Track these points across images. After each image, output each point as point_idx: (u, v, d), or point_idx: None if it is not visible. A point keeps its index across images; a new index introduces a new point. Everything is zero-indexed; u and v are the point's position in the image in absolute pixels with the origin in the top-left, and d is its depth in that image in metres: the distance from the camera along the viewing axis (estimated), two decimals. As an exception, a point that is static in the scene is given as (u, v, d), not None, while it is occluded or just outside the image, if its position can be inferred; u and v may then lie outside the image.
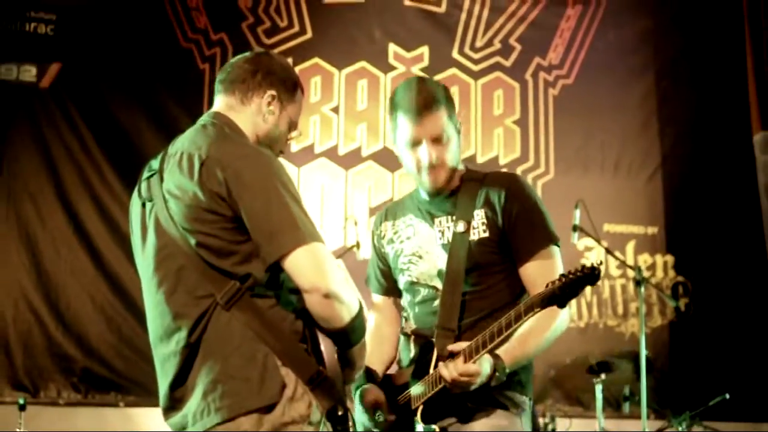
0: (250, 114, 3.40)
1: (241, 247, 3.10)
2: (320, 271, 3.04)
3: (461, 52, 9.12)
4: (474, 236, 3.89)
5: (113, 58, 8.55)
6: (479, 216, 3.91)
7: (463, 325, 3.82)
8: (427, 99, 3.90)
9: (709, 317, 8.94)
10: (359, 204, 8.71)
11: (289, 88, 3.47)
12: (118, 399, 8.17)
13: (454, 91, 8.43)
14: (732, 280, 8.95)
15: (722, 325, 8.86)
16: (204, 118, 3.42)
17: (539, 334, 3.74)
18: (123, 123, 8.48)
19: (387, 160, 8.79)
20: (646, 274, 8.45)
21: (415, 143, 3.90)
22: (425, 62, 9.03)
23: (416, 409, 3.78)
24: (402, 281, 4.10)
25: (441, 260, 3.93)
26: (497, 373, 3.63)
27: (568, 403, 8.45)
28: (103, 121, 8.46)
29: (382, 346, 4.15)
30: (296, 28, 8.89)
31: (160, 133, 8.41)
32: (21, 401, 6.93)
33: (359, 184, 8.79)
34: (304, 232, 3.06)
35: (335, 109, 8.90)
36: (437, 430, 3.75)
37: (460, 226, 3.91)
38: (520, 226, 3.87)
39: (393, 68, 8.99)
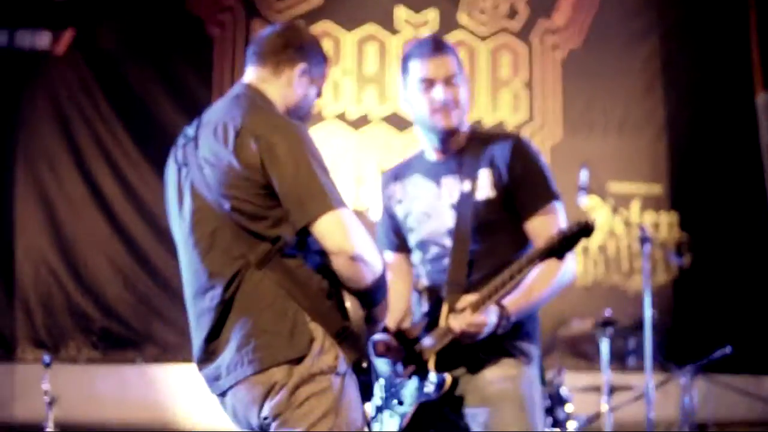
0: (280, 86, 3.56)
1: (272, 212, 3.28)
2: (346, 235, 3.23)
3: (469, 15, 9.16)
4: (480, 195, 4.02)
5: (126, 23, 8.68)
6: (484, 175, 4.04)
7: (471, 281, 3.97)
8: (438, 43, 4.11)
9: (712, 273, 9.04)
10: (369, 166, 8.84)
11: (319, 61, 3.64)
12: (136, 356, 8.35)
13: (462, 54, 8.52)
14: (734, 238, 9.04)
15: (725, 281, 8.96)
16: (236, 89, 3.58)
17: (543, 285, 3.89)
18: (136, 88, 8.62)
19: (396, 122, 8.89)
20: (650, 231, 8.57)
21: (429, 84, 4.03)
22: (433, 25, 9.09)
23: (428, 359, 3.94)
24: (412, 240, 4.24)
25: (449, 219, 4.07)
26: (503, 322, 3.80)
27: (574, 357, 8.57)
28: (116, 86, 8.60)
29: (394, 300, 4.15)
30: (306, -7, 8.97)
31: (172, 97, 8.57)
32: (46, 359, 7.07)
33: (368, 146, 8.91)
34: (332, 199, 3.25)
35: (344, 73, 8.99)
36: (449, 378, 3.90)
37: (466, 186, 4.04)
38: (524, 184, 4.00)
39: (401, 32, 9.07)
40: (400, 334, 4.14)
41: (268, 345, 3.26)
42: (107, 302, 8.38)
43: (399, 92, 4.25)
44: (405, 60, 4.15)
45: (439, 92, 4.02)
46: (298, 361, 3.25)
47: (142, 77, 8.64)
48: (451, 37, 8.86)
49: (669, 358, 8.07)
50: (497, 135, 4.25)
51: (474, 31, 9.16)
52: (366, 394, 3.48)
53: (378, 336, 4.05)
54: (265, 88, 3.55)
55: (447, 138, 4.12)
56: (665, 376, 7.87)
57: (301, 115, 3.61)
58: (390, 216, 4.37)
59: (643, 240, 7.30)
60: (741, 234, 9.08)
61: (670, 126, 9.33)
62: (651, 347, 6.95)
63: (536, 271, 3.79)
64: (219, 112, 3.46)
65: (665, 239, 9.07)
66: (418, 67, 4.06)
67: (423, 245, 4.19)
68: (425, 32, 8.95)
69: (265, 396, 3.26)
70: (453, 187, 4.10)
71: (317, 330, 3.29)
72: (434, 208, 4.14)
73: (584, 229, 3.51)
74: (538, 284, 3.84)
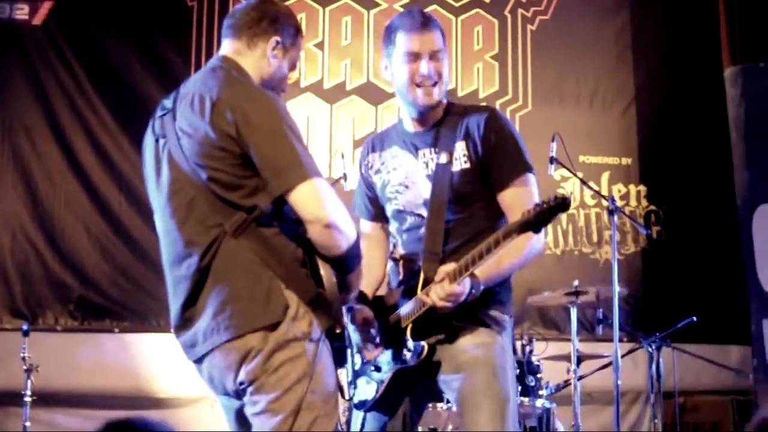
0: (255, 58, 3.65)
1: (248, 182, 3.37)
2: (321, 204, 3.32)
3: (442, -12, 9.23)
4: (456, 167, 4.10)
5: (103, -5, 8.67)
6: (460, 148, 4.12)
7: (447, 250, 4.06)
8: (426, 18, 4.18)
9: (680, 244, 9.15)
10: (344, 137, 8.89)
11: (292, 34, 3.72)
12: (113, 325, 8.40)
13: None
14: (702, 210, 9.18)
15: (692, 252, 9.09)
16: (213, 62, 3.67)
17: (513, 255, 3.97)
18: (113, 59, 8.63)
19: (371, 94, 8.96)
20: (619, 203, 8.63)
21: (415, 56, 4.12)
22: (407, -2, 9.14)
23: (406, 327, 4.03)
24: (389, 209, 4.33)
25: (426, 190, 4.15)
26: (473, 290, 3.90)
27: (544, 327, 8.69)
28: (94, 57, 8.62)
29: (371, 268, 4.32)
30: (281, -34, 8.99)
31: (149, 68, 8.60)
32: (24, 327, 7.13)
33: (344, 117, 8.97)
34: (308, 168, 3.33)
35: (319, 45, 9.03)
36: (426, 346, 4.00)
37: (443, 158, 4.12)
38: (498, 156, 4.09)
39: (376, 5, 9.10)
40: (376, 301, 4.25)
41: (244, 311, 3.35)
42: (85, 271, 8.41)
43: (380, 62, 4.31)
44: (391, 31, 4.21)
45: (423, 66, 4.10)
46: (274, 327, 3.34)
47: (119, 48, 8.65)
48: (425, 11, 8.83)
49: (637, 328, 8.18)
50: (473, 108, 4.31)
51: (448, 4, 9.20)
52: (339, 360, 3.57)
53: (358, 305, 4.16)
54: (241, 61, 3.63)
55: (426, 111, 4.21)
56: (633, 345, 7.96)
57: (275, 86, 3.69)
58: (367, 185, 4.45)
59: (612, 211, 7.37)
60: (708, 206, 9.20)
61: (640, 99, 9.42)
62: (619, 317, 7.04)
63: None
64: (196, 84, 3.53)
65: (634, 211, 9.17)
66: (405, 40, 4.14)
67: (400, 215, 4.28)
68: (399, 6, 9.00)
69: (241, 362, 3.35)
70: (430, 159, 4.18)
71: (292, 297, 3.37)
72: (411, 178, 4.22)
73: (560, 204, 3.56)
74: (509, 254, 3.89)
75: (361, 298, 4.19)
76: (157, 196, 3.59)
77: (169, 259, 3.55)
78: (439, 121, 4.23)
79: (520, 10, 9.30)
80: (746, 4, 9.05)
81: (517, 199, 4.03)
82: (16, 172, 8.44)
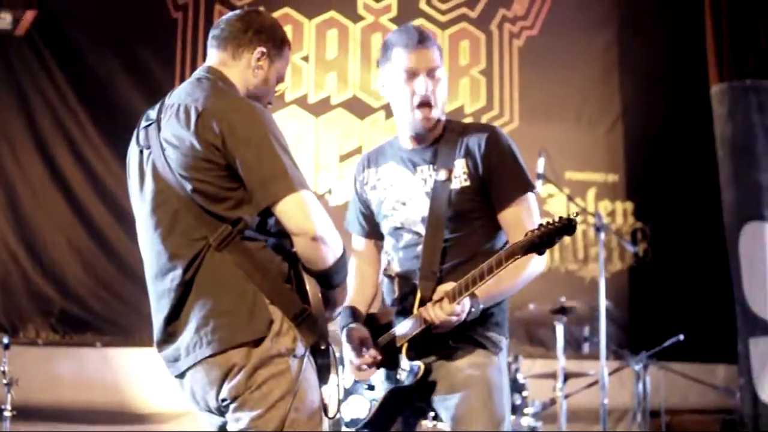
0: (241, 69, 3.60)
1: (234, 194, 3.32)
2: (308, 217, 3.27)
3: (428, 2, 9.25)
4: (455, 185, 4.05)
5: (88, 6, 8.65)
6: (460, 165, 4.07)
7: (444, 269, 4.01)
8: (423, 35, 4.10)
9: (667, 262, 9.14)
10: (329, 151, 8.86)
11: (278, 44, 3.67)
12: (95, 339, 8.34)
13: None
14: (688, 227, 9.15)
15: (679, 270, 9.08)
16: (199, 72, 3.61)
17: (514, 275, 3.92)
18: (97, 70, 8.60)
19: (356, 107, 8.95)
20: (606, 220, 8.64)
21: (412, 74, 4.06)
22: (393, 12, 9.14)
23: (401, 346, 3.98)
24: (386, 226, 4.26)
25: (423, 207, 4.09)
26: (473, 309, 3.84)
27: (530, 344, 8.70)
28: (77, 68, 8.57)
29: (363, 286, 4.31)
30: (267, -22, 8.96)
31: (133, 80, 8.56)
32: (5, 340, 7.04)
33: (329, 131, 8.94)
34: (294, 180, 3.28)
35: (305, 58, 9.02)
36: (422, 366, 3.95)
37: (442, 175, 4.07)
38: (499, 175, 4.04)
39: (362, 18, 9.10)
40: (369, 319, 4.19)
41: (227, 326, 3.29)
42: (66, 284, 8.37)
43: (377, 78, 4.26)
44: (387, 48, 4.16)
45: (421, 84, 4.05)
46: (257, 343, 3.28)
47: (103, 59, 8.61)
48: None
49: (623, 346, 8.16)
50: (473, 126, 4.27)
51: (434, 18, 9.19)
52: (324, 377, 3.50)
53: (354, 324, 4.10)
54: (227, 72, 3.58)
55: (424, 131, 4.16)
56: (619, 363, 7.95)
57: (261, 98, 3.64)
58: (362, 202, 4.39)
59: (599, 228, 7.35)
60: (695, 223, 9.18)
61: (626, 115, 9.45)
62: (605, 335, 7.01)
63: None
64: (182, 94, 3.48)
65: (620, 228, 9.15)
66: (403, 57, 4.08)
67: (396, 232, 4.22)
68: (386, 20, 8.97)
69: (224, 378, 3.29)
70: (428, 176, 4.13)
71: (276, 312, 3.32)
72: (409, 195, 4.17)
73: (567, 225, 3.51)
74: (509, 274, 3.83)
75: (355, 315, 4.15)
76: (140, 207, 3.54)
77: (152, 273, 3.49)
78: (438, 138, 4.18)
79: (507, 25, 9.31)
80: (733, 21, 9.09)
81: (519, 218, 4.00)
82: (-2, 184, 8.36)
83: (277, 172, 3.28)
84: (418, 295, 3.98)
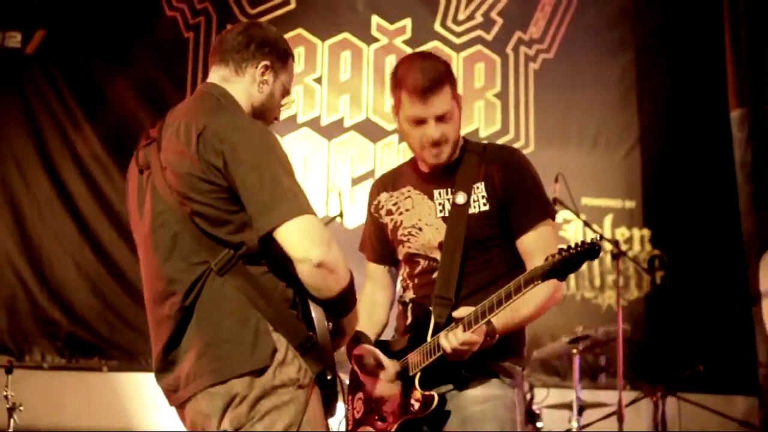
0: (244, 84, 3.47)
1: (235, 217, 3.19)
2: (311, 242, 3.12)
3: (443, 24, 9.15)
4: (474, 209, 3.93)
5: (98, 25, 8.56)
6: (479, 189, 3.95)
7: (460, 297, 3.88)
8: (432, 79, 3.90)
9: (685, 290, 9.02)
10: (342, 174, 8.75)
11: (282, 57, 3.54)
12: (102, 364, 8.22)
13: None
14: (707, 255, 9.02)
15: (697, 299, 8.93)
16: (200, 89, 3.50)
17: (532, 303, 3.78)
18: (107, 90, 8.51)
19: (369, 130, 8.86)
20: (623, 247, 8.56)
21: (420, 122, 3.91)
22: (408, 34, 9.05)
23: (414, 375, 3.84)
24: (401, 252, 4.13)
25: (440, 232, 3.97)
26: (488, 338, 3.71)
27: (545, 373, 8.52)
28: (87, 88, 8.49)
29: (374, 312, 4.19)
30: (280, -1, 8.93)
31: (144, 99, 8.49)
32: (8, 364, 6.95)
33: (342, 154, 8.83)
34: (296, 204, 3.14)
35: (318, 80, 8.92)
36: (437, 397, 3.80)
37: (460, 199, 3.95)
38: (519, 199, 3.92)
39: (376, 40, 9.01)
40: (382, 346, 4.05)
41: (229, 355, 3.17)
42: (73, 307, 8.24)
43: (387, 102, 4.14)
44: (395, 84, 4.00)
45: (430, 130, 3.91)
46: (260, 372, 3.16)
47: (113, 78, 8.54)
48: (426, 47, 8.75)
49: (641, 376, 8.06)
50: (492, 148, 4.16)
51: (449, 41, 9.11)
52: (330, 408, 3.36)
53: (363, 349, 3.98)
54: (229, 88, 3.47)
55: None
56: (637, 393, 7.84)
57: (266, 115, 3.53)
58: (377, 226, 4.26)
59: (616, 255, 7.26)
60: (714, 251, 9.06)
61: (644, 140, 9.34)
62: (623, 364, 6.91)
63: None
64: (182, 112, 3.38)
65: (638, 255, 9.04)
66: (409, 105, 3.93)
67: (412, 258, 4.10)
68: (400, 42, 8.90)
69: (225, 408, 3.17)
70: (446, 200, 4.01)
71: (280, 340, 3.20)
72: (426, 220, 4.05)
73: (589, 250, 3.35)
74: (526, 301, 3.69)
75: (366, 341, 4.02)
76: (139, 230, 3.43)
77: (152, 297, 3.39)
78: (457, 160, 4.05)
79: (522, 48, 9.23)
80: (753, 45, 9.03)
81: (539, 244, 3.87)
82: (4, 203, 8.28)
83: (278, 195, 3.14)
84: (432, 323, 3.85)
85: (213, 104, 3.36)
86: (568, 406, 7.17)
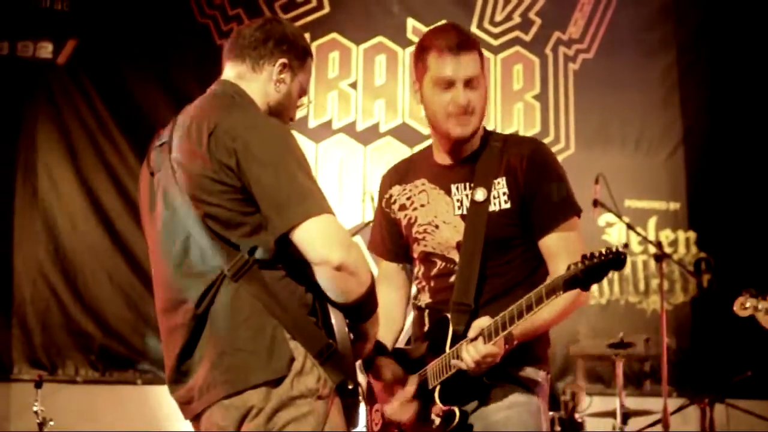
0: (261, 82, 3.34)
1: (250, 219, 3.05)
2: (330, 243, 2.98)
3: (480, 26, 9.08)
4: (494, 206, 3.70)
5: (130, 34, 8.55)
6: (500, 185, 3.72)
7: (479, 302, 3.66)
8: (462, 38, 3.72)
9: (732, 294, 8.83)
10: (377, 180, 8.63)
11: (300, 55, 3.40)
12: (136, 377, 8.21)
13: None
14: (755, 257, 8.87)
15: (744, 303, 8.81)
16: (214, 87, 3.39)
17: (553, 310, 3.54)
18: (139, 99, 8.49)
19: (406, 135, 8.78)
20: (668, 250, 8.48)
21: (449, 84, 3.68)
22: (445, 37, 8.96)
23: (434, 389, 3.65)
24: (416, 251, 3.90)
25: (458, 231, 3.74)
26: (507, 347, 3.50)
27: (588, 380, 8.42)
28: (119, 97, 8.48)
29: (389, 315, 3.91)
30: (313, 3, 8.85)
31: (177, 109, 8.31)
32: (37, 379, 6.91)
33: (377, 159, 8.74)
34: (314, 203, 3.00)
35: (353, 85, 8.87)
36: (458, 413, 3.60)
37: (479, 195, 3.71)
38: (543, 197, 3.69)
39: (411, 43, 8.84)
40: (399, 355, 3.86)
41: (244, 365, 3.03)
42: (107, 320, 8.23)
43: (409, 80, 3.95)
44: (422, 49, 3.77)
45: (458, 95, 3.67)
46: (277, 383, 3.02)
47: (144, 86, 8.53)
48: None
49: (687, 382, 7.92)
50: (514, 139, 3.94)
51: (486, 42, 9.00)
52: (352, 419, 3.21)
53: (382, 360, 3.80)
54: (245, 85, 3.34)
55: (460, 143, 3.79)
56: (683, 400, 7.69)
57: (283, 114, 3.38)
58: (389, 222, 4.03)
59: (660, 258, 7.13)
60: (761, 252, 8.90)
61: (688, 140, 9.27)
62: (668, 370, 6.76)
63: None
64: (194, 111, 3.27)
65: (683, 258, 8.91)
66: (438, 64, 3.70)
67: (428, 258, 3.85)
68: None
69: (241, 421, 3.03)
70: (464, 196, 3.77)
71: (298, 349, 3.05)
72: (443, 217, 3.80)
73: (614, 259, 3.15)
74: (547, 309, 3.45)
75: (380, 350, 3.80)
76: (150, 234, 3.31)
77: (163, 305, 3.27)
78: (476, 152, 3.81)
79: (561, 48, 9.16)
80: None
81: (562, 245, 3.66)
82: (37, 215, 8.28)
83: (294, 195, 3.00)
84: (450, 331, 3.63)
85: (227, 102, 3.24)
86: (612, 414, 7.06)
